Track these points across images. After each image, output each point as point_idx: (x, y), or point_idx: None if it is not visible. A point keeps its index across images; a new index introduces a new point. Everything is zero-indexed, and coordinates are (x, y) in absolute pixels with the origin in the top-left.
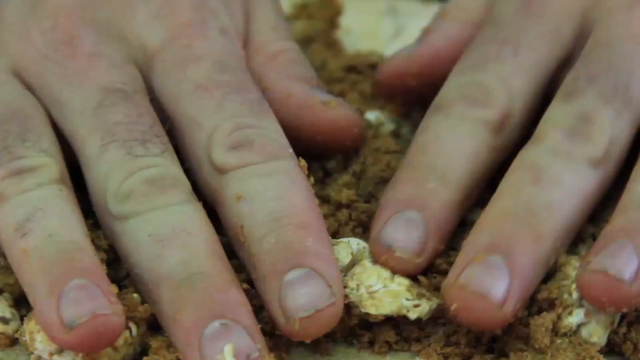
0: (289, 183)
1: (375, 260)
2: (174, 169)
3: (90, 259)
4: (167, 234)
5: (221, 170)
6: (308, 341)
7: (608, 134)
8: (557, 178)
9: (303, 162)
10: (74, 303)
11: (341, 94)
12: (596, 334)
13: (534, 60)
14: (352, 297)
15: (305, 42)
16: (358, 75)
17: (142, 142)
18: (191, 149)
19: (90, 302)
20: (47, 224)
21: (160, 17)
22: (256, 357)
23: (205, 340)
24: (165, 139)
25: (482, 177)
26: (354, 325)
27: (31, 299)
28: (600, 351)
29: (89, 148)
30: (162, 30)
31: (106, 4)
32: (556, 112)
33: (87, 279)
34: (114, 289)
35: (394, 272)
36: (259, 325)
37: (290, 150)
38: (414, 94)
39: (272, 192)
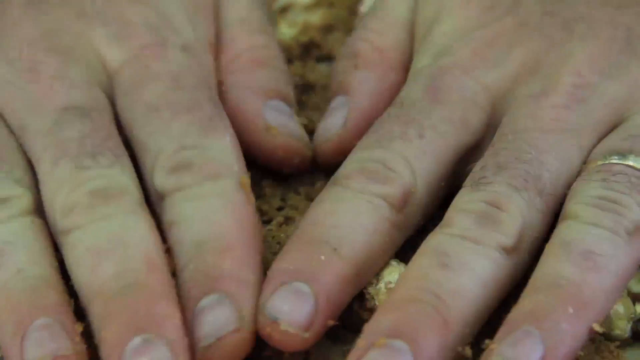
0: (221, 205)
1: (260, 332)
2: (123, 179)
3: (57, 295)
4: (104, 246)
5: (161, 196)
6: None
7: (519, 221)
8: (465, 263)
9: (244, 179)
10: (37, 344)
11: None
12: (617, 326)
13: (439, 144)
14: (370, 289)
15: (325, 31)
16: None
17: (92, 155)
18: (144, 175)
19: (52, 342)
20: (16, 259)
21: (118, 39)
22: None
23: (125, 357)
24: (120, 151)
25: (381, 254)
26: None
27: None
28: (626, 342)
29: (42, 166)
30: (121, 52)
31: (68, 30)
32: (464, 198)
33: (52, 318)
34: (78, 327)
35: (279, 346)
36: (186, 339)
37: (236, 167)
38: None
39: (200, 216)
